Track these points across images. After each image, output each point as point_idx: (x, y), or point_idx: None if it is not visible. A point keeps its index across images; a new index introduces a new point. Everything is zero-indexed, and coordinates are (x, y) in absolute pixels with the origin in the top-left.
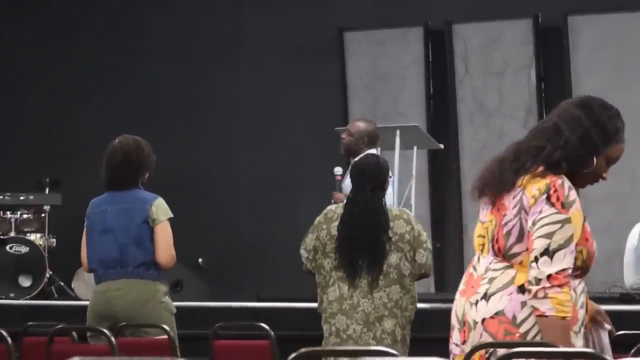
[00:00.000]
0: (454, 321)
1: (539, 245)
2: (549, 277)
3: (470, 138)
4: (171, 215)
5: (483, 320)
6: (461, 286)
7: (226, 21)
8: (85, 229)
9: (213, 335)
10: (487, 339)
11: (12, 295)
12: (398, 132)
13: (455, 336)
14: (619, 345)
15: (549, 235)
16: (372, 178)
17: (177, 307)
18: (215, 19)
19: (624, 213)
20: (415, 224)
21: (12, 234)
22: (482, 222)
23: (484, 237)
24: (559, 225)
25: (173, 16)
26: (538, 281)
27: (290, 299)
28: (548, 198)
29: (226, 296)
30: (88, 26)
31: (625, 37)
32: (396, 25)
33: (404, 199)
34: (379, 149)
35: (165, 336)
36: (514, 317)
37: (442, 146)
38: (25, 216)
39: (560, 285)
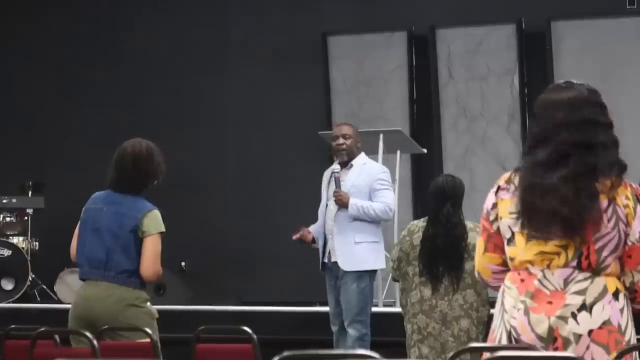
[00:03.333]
0: (530, 340)
1: None
2: None
3: (453, 143)
4: (163, 229)
5: (590, 332)
6: (527, 303)
7: (211, 25)
8: (79, 222)
9: (196, 338)
10: (596, 350)
11: None
12: (381, 136)
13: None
14: None
15: None
16: (452, 196)
17: (160, 311)
18: (200, 23)
19: None
20: None
21: None
22: (537, 239)
23: (550, 253)
24: None
25: (158, 21)
26: None
27: (273, 303)
28: None
29: (209, 300)
30: (73, 31)
31: (609, 43)
32: (380, 30)
33: None
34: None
35: (148, 340)
36: (619, 326)
37: (425, 150)
38: (7, 219)
39: None
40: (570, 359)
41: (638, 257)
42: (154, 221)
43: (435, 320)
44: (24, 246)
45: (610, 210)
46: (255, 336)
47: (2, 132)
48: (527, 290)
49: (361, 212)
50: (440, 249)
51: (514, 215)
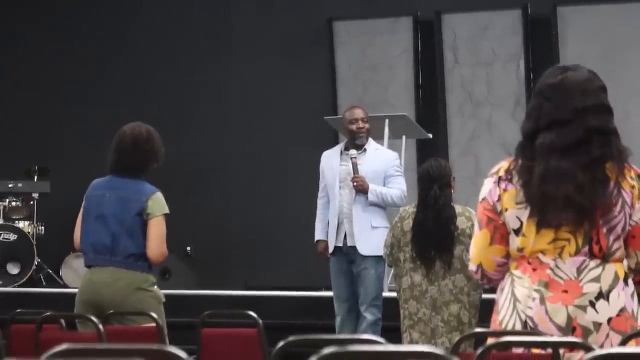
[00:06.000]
0: (548, 330)
1: None
2: None
3: (459, 128)
4: (167, 211)
5: (610, 320)
6: (542, 293)
7: (216, 11)
8: (82, 209)
9: (201, 323)
10: (616, 338)
11: (0, 283)
12: (387, 121)
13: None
14: None
15: None
16: (438, 178)
17: (166, 296)
18: (205, 9)
19: None
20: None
21: (1, 221)
22: (548, 227)
23: (561, 239)
24: None
25: (163, 7)
26: None
27: (278, 288)
28: None
29: (214, 285)
30: (78, 17)
31: (614, 28)
32: (385, 15)
33: None
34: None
35: (154, 324)
36: (633, 312)
37: (430, 136)
38: (14, 204)
39: None
40: (575, 343)
41: None
42: (158, 203)
43: (426, 306)
44: (30, 231)
45: (616, 194)
46: (260, 321)
47: (8, 116)
48: (540, 280)
49: (380, 198)
50: (431, 233)
51: (522, 205)
